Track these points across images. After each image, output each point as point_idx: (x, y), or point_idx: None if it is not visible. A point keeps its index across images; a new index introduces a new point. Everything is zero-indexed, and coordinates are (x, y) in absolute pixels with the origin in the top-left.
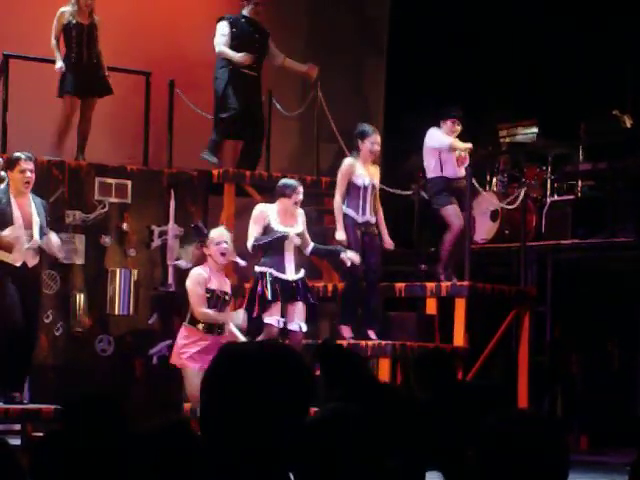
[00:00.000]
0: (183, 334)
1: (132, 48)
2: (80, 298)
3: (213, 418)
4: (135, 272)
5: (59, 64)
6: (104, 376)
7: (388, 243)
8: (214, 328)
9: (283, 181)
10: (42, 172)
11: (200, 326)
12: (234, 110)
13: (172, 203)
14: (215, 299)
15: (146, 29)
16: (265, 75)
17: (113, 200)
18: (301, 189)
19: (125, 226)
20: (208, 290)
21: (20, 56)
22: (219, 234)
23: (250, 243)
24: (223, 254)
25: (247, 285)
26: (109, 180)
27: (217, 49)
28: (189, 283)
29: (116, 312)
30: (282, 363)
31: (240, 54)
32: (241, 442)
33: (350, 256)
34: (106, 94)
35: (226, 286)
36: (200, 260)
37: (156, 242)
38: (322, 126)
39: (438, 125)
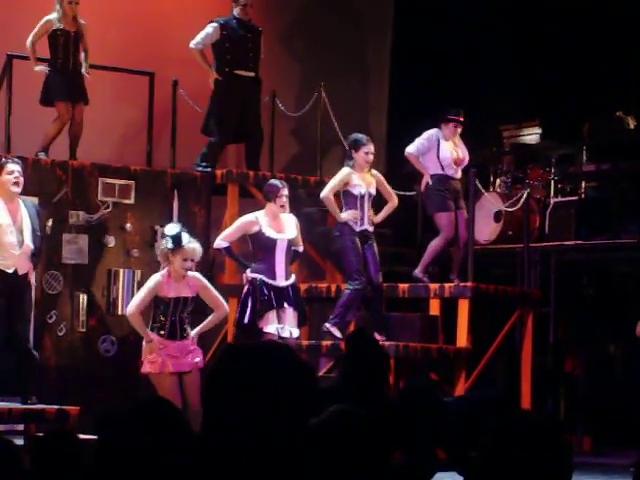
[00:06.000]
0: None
1: (135, 49)
2: (83, 298)
3: (215, 419)
4: (138, 272)
5: (39, 67)
6: (107, 376)
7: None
8: (176, 334)
9: (267, 184)
10: (45, 172)
11: (162, 332)
12: (227, 124)
13: (175, 203)
14: (174, 305)
15: (149, 30)
16: (269, 76)
17: (116, 200)
18: (284, 191)
19: (128, 226)
20: (166, 298)
21: (24, 57)
22: (190, 251)
23: (220, 242)
24: (185, 269)
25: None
26: (112, 180)
27: (191, 45)
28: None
29: (119, 312)
30: (285, 365)
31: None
32: (243, 443)
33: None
34: (84, 103)
35: (186, 292)
36: (165, 260)
37: (159, 242)
38: (325, 127)
39: (438, 127)
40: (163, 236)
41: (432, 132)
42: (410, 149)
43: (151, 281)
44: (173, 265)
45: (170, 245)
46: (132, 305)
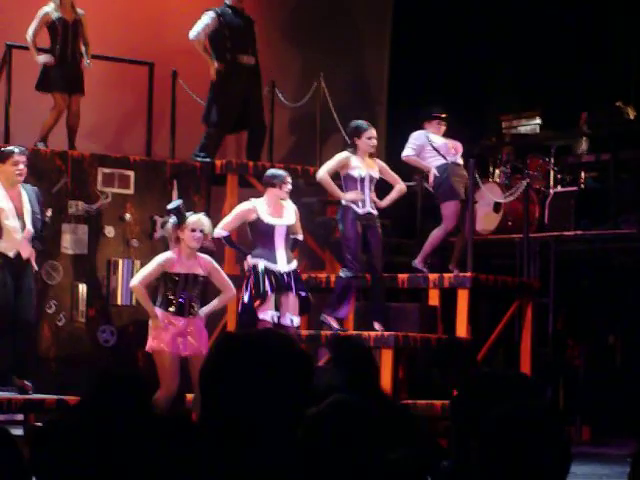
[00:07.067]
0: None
1: (135, 39)
2: (83, 289)
3: (213, 408)
4: (138, 263)
5: (43, 58)
6: (106, 367)
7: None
8: (185, 310)
9: (271, 171)
10: (45, 162)
11: (171, 309)
12: (227, 113)
13: (175, 194)
14: (184, 281)
15: (149, 20)
16: (268, 66)
17: (116, 190)
18: (289, 179)
19: (128, 217)
20: (175, 274)
21: (23, 46)
22: (195, 221)
23: (219, 231)
24: (196, 241)
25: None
26: (112, 170)
27: (191, 36)
28: (155, 259)
29: (119, 303)
30: (282, 352)
31: None
32: (240, 430)
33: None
34: (80, 94)
35: (197, 270)
36: (176, 240)
37: (159, 233)
38: (325, 117)
39: (421, 128)
40: (166, 217)
41: (419, 132)
42: (407, 152)
43: (161, 257)
44: (185, 241)
45: (174, 220)
46: (137, 277)
